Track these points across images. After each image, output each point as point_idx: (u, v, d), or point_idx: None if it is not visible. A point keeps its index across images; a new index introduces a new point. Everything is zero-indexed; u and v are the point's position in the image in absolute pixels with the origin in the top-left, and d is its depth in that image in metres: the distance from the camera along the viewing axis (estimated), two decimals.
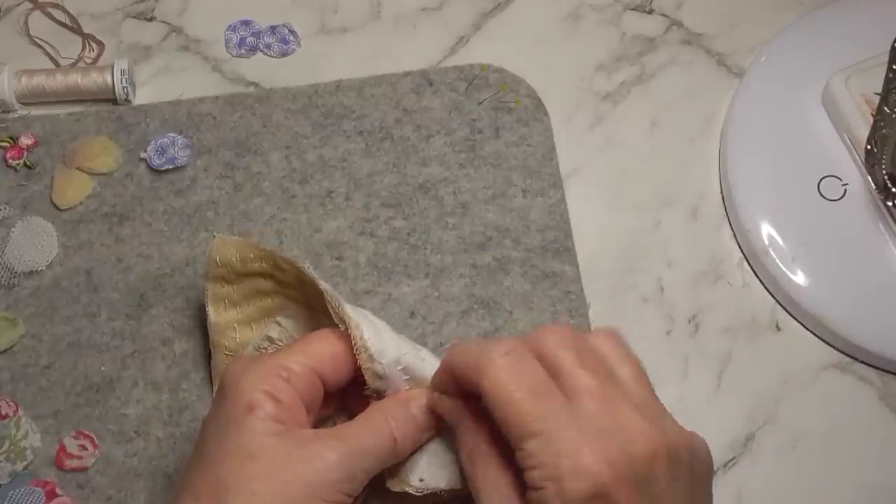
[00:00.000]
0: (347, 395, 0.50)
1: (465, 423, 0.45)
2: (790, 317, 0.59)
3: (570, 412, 0.41)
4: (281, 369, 0.46)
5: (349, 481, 0.45)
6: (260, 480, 0.43)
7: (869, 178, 0.58)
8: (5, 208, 0.60)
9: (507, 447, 0.42)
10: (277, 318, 0.53)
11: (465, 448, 0.45)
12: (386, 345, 0.48)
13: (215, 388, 0.54)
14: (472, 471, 0.44)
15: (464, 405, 0.46)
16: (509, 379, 0.41)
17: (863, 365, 0.58)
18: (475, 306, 0.58)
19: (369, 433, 0.46)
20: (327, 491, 0.44)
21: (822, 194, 0.59)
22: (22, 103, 0.63)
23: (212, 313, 0.54)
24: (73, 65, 0.64)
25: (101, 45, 0.65)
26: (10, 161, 0.61)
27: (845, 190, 0.59)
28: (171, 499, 0.45)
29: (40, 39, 0.65)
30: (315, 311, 0.52)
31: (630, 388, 0.42)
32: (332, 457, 0.44)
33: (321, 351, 0.48)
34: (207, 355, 0.56)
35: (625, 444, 0.40)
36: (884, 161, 0.57)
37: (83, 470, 0.54)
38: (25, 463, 0.54)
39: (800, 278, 0.58)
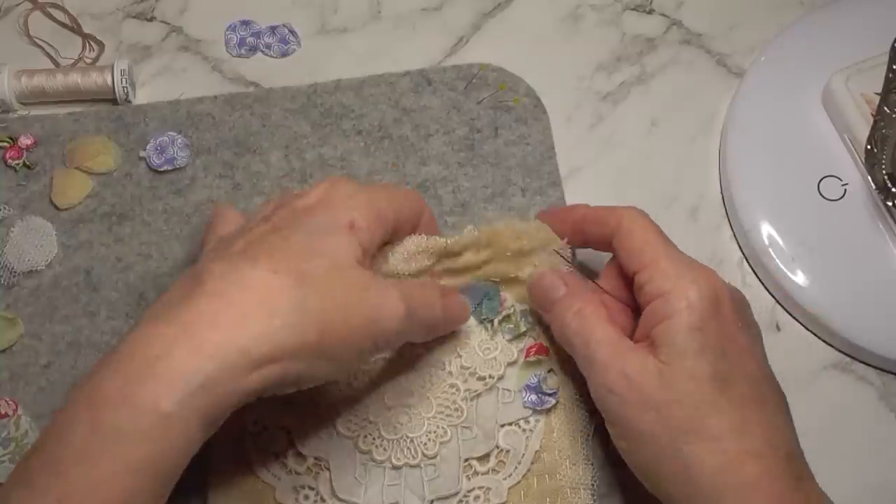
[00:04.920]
0: None
1: (576, 288, 0.52)
2: (790, 317, 0.59)
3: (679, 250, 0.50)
4: (380, 210, 0.49)
5: (397, 336, 0.48)
6: (339, 287, 0.45)
7: (869, 178, 0.58)
8: (5, 208, 0.60)
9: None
10: None
11: (572, 309, 0.50)
12: None
13: None
14: (584, 327, 0.49)
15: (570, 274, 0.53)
16: (644, 218, 0.51)
17: (863, 365, 0.58)
18: None
19: (428, 299, 0.50)
20: (381, 333, 0.46)
21: (822, 194, 0.59)
22: (22, 103, 0.63)
23: None
24: (73, 65, 0.64)
25: (101, 45, 0.65)
26: (10, 161, 0.61)
27: (845, 190, 0.59)
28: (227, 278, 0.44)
29: (40, 39, 0.65)
30: None
31: None
32: (400, 307, 0.46)
33: (409, 213, 0.52)
34: None
35: (714, 276, 0.49)
36: (884, 161, 0.57)
37: None
38: None
39: (800, 278, 0.57)
